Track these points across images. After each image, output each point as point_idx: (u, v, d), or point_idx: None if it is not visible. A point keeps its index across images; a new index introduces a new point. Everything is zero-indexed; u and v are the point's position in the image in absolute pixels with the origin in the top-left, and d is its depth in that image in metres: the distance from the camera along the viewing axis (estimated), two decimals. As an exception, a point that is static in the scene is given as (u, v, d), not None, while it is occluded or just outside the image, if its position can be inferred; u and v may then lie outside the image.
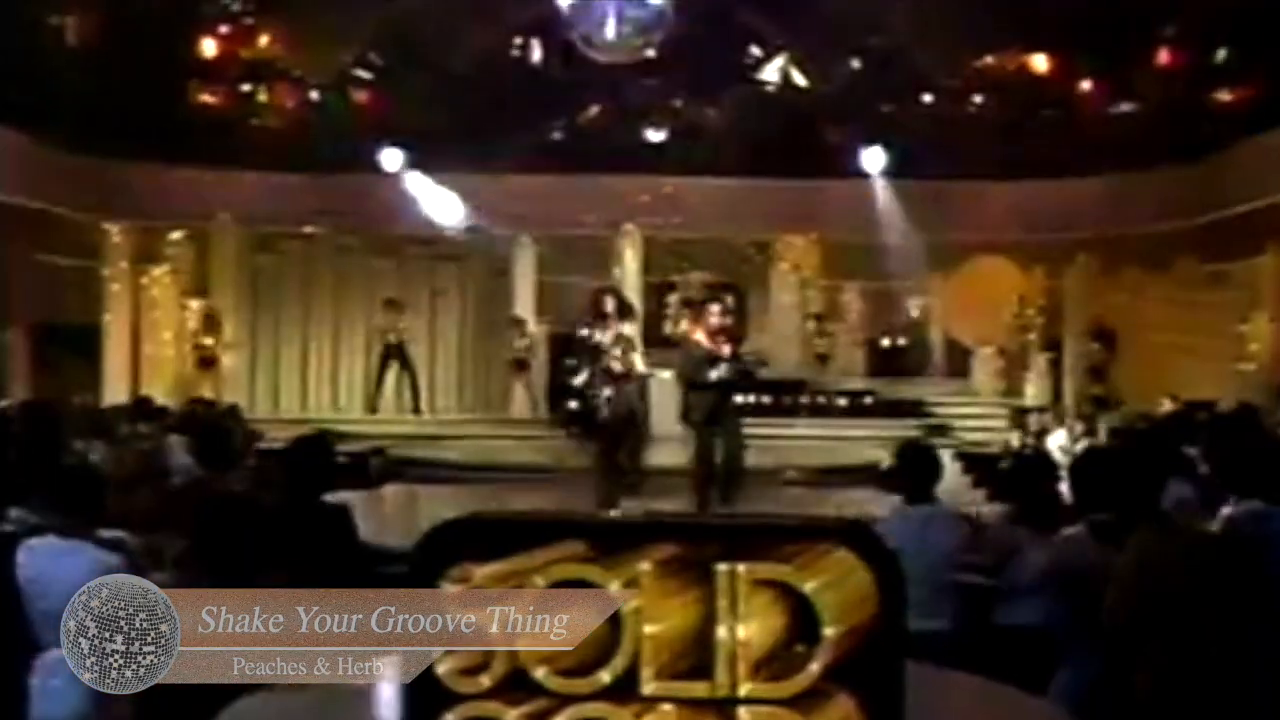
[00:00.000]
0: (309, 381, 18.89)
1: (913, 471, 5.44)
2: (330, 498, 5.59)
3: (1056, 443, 11.50)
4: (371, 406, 17.83)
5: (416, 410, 17.88)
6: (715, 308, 9.69)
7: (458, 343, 19.43)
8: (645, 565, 2.21)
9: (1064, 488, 5.31)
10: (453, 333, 19.39)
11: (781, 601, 2.23)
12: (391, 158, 18.56)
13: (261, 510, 4.81)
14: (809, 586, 2.20)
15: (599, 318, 10.44)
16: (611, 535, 2.32)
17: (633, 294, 18.72)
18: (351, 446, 15.22)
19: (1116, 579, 3.78)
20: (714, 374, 9.52)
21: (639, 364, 13.49)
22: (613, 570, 2.20)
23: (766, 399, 16.79)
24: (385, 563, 5.59)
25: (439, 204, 19.54)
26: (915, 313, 20.36)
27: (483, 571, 2.24)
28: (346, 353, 19.03)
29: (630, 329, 10.38)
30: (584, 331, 10.89)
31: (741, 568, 2.21)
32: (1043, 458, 7.37)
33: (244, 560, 3.97)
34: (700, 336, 9.50)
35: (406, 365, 17.74)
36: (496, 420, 17.74)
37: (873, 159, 19.04)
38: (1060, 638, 4.18)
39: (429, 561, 2.28)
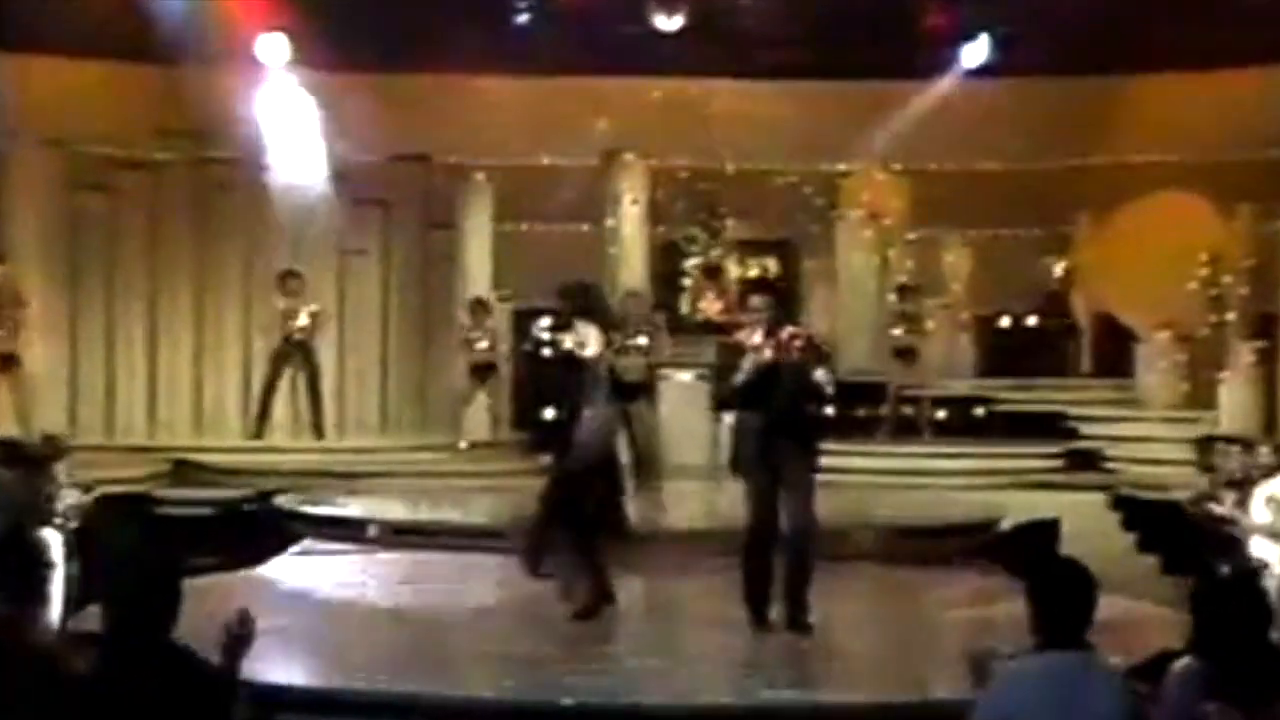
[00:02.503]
0: (159, 390, 19.07)
1: (1052, 597, 5.09)
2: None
3: (1267, 497, 10.58)
4: (257, 431, 18.10)
5: (317, 432, 18.18)
6: (757, 301, 9.42)
7: (381, 329, 19.56)
8: None
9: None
10: (373, 313, 19.51)
11: None
12: (275, 47, 18.48)
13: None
14: None
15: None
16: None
17: (633, 256, 19.51)
18: (222, 492, 15.74)
19: None
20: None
21: (635, 372, 14.09)
22: None
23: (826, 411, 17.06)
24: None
25: (349, 122, 19.51)
26: (1058, 276, 20.40)
27: None
28: (214, 345, 19.23)
29: (594, 338, 9.92)
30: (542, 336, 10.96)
31: None
32: (1251, 583, 6.33)
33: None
34: (756, 338, 9.25)
35: (308, 367, 18.15)
36: (441, 448, 17.96)
37: (985, 51, 19.28)
38: None
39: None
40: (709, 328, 18.44)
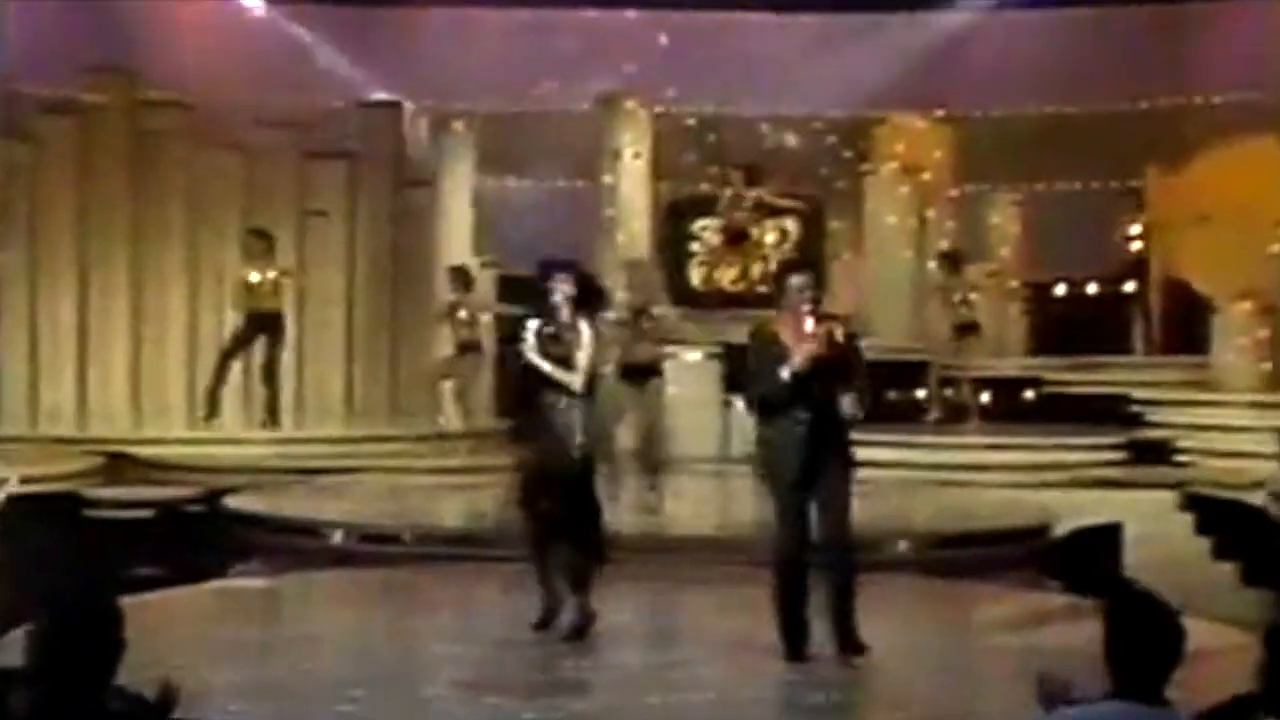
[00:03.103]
0: (90, 373, 18.81)
1: (1129, 640, 5.10)
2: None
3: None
4: (208, 409, 17.80)
5: (272, 419, 17.90)
6: (798, 280, 9.07)
7: (345, 301, 19.45)
8: None
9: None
10: (336, 283, 19.42)
11: None
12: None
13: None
14: None
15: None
16: None
17: (634, 217, 19.29)
18: (164, 491, 15.39)
19: None
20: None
21: (645, 352, 14.10)
22: None
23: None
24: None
25: (309, 61, 19.58)
26: (1122, 237, 20.19)
27: None
28: (155, 321, 19.00)
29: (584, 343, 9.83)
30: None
31: None
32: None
33: None
34: (809, 325, 8.99)
35: (274, 343, 17.91)
36: (417, 439, 17.76)
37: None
38: None
39: None
40: (722, 301, 18.50)
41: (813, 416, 9.07)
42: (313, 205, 19.20)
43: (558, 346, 9.75)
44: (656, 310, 15.50)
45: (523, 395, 10.07)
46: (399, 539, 13.42)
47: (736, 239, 19.59)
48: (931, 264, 19.55)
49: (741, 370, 9.71)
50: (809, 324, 9.02)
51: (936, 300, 19.10)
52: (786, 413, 9.10)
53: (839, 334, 9.14)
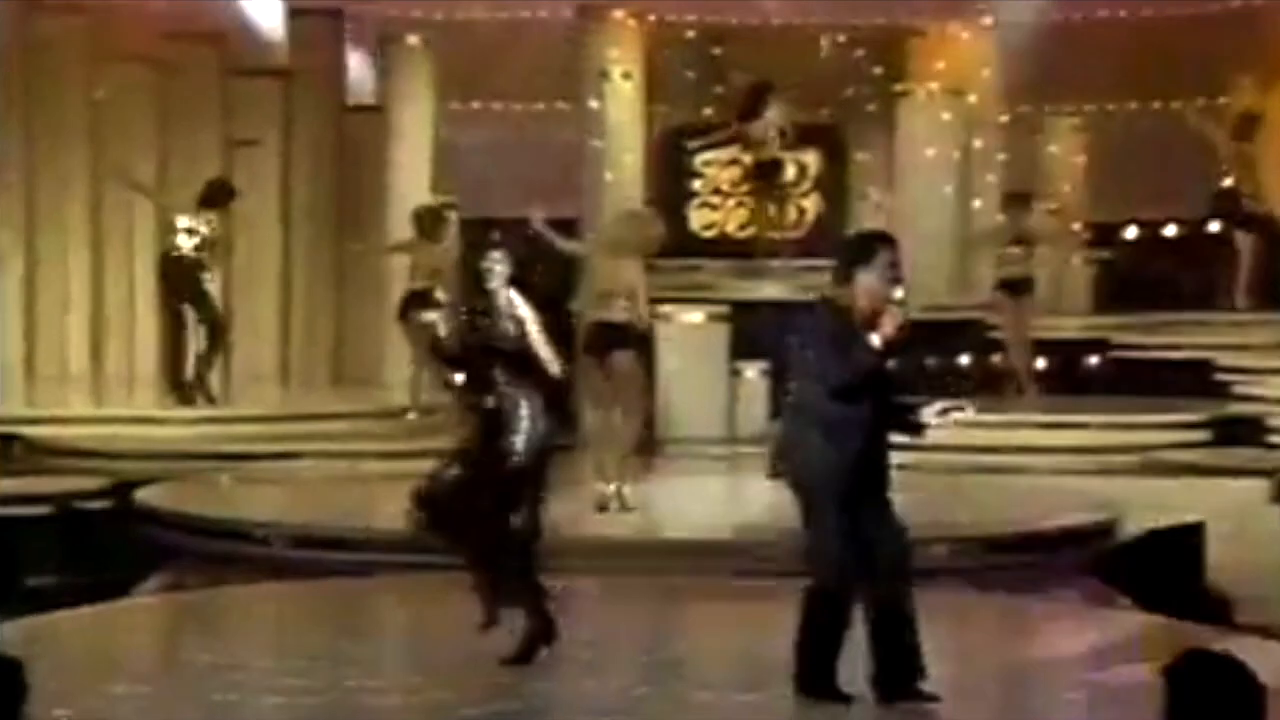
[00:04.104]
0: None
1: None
2: None
3: None
4: (186, 394, 17.57)
5: (200, 388, 17.65)
6: (890, 254, 9.19)
7: (281, 250, 19.42)
8: None
9: None
10: (270, 227, 19.37)
11: None
12: None
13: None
14: None
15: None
16: None
17: (625, 149, 19.20)
18: (63, 483, 15.20)
19: None
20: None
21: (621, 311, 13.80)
22: None
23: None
24: None
25: None
26: (1209, 169, 19.72)
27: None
28: (50, 273, 18.92)
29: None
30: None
31: None
32: None
33: None
34: (900, 292, 9.16)
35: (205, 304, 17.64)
36: (366, 416, 17.66)
37: None
38: None
39: None
40: (730, 250, 18.65)
41: (880, 410, 9.17)
42: (240, 134, 19.10)
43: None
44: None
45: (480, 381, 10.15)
46: (346, 543, 13.20)
47: (766, 170, 19.39)
48: (977, 202, 19.59)
49: (810, 348, 9.50)
50: (892, 309, 9.05)
51: (990, 249, 18.92)
52: (848, 408, 9.15)
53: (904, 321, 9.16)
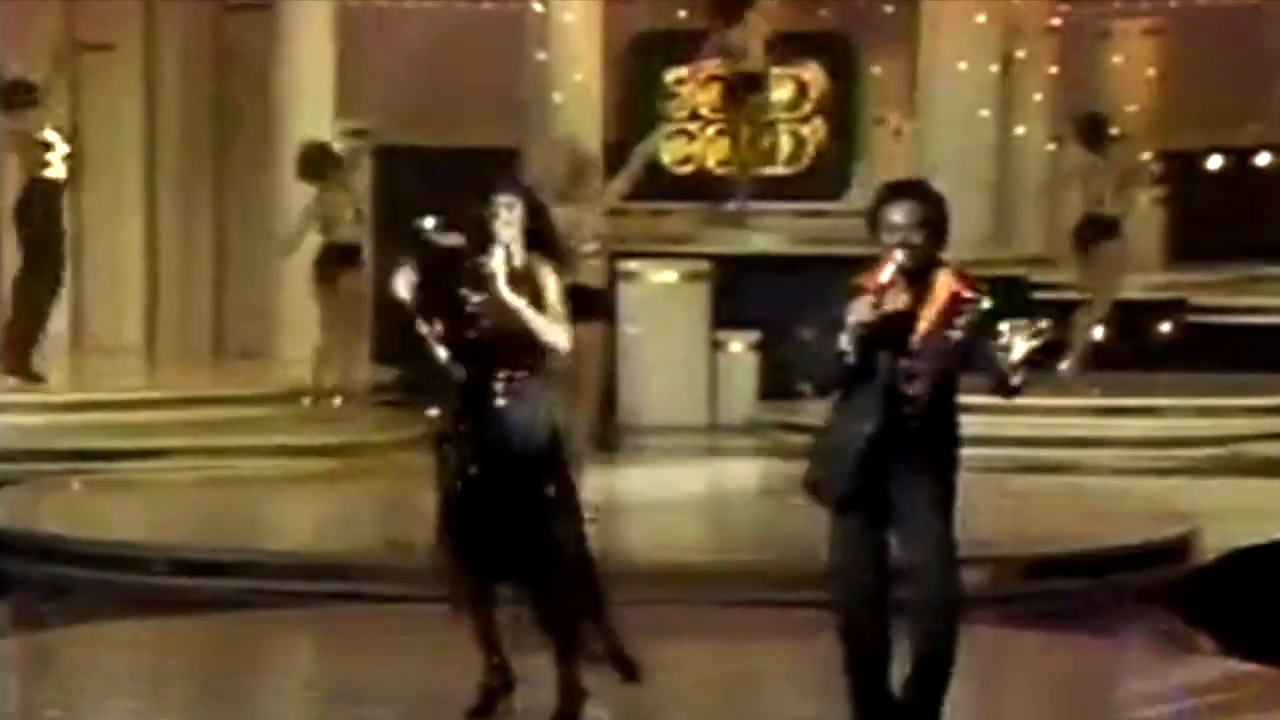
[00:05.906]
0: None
1: None
2: None
3: None
4: (16, 366, 17.27)
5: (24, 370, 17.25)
6: (899, 217, 8.89)
7: (143, 186, 18.50)
8: None
9: None
10: (130, 156, 18.65)
11: None
12: None
13: None
14: None
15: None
16: None
17: (579, 58, 18.51)
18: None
19: None
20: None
21: (591, 272, 13.37)
22: None
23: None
24: None
25: None
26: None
27: None
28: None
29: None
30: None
31: None
32: None
33: None
34: (889, 272, 8.84)
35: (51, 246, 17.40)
36: (253, 401, 17.43)
37: None
38: None
39: None
40: (705, 188, 18.70)
41: (890, 402, 8.89)
42: (91, 38, 18.77)
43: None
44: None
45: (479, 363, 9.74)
46: (228, 569, 12.83)
47: (751, 83, 19.20)
48: (1020, 129, 19.61)
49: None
50: (888, 271, 8.76)
51: (1059, 188, 19.14)
52: (846, 397, 9.07)
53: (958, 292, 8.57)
